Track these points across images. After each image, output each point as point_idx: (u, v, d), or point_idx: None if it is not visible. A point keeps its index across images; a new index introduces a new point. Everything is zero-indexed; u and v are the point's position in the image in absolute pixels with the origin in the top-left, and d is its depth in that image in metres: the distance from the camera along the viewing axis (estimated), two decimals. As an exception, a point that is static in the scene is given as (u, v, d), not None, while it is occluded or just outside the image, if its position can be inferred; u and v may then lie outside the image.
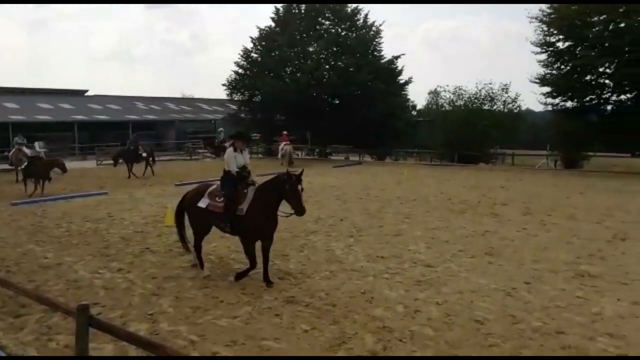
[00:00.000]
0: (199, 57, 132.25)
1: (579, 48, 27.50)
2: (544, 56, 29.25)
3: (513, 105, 32.80)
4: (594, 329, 5.48)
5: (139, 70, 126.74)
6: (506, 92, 32.45)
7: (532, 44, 29.06)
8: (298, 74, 32.16)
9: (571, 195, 15.98)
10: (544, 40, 28.87)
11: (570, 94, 29.02)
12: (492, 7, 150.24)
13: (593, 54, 26.12)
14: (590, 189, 17.40)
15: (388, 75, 33.13)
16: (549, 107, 30.90)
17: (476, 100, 32.64)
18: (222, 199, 6.96)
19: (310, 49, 33.25)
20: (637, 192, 16.74)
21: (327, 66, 32.57)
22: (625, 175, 22.70)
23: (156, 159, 23.29)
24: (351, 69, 31.62)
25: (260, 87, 32.91)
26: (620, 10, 25.40)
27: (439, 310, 6.06)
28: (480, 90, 32.64)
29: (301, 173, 6.70)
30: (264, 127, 35.74)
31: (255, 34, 34.74)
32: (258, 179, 7.41)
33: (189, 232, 7.74)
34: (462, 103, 32.87)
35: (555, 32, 28.32)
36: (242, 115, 36.29)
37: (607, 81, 28.51)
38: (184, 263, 8.05)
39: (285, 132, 28.54)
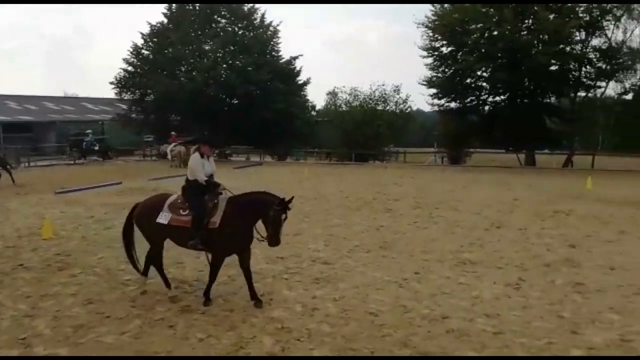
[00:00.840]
0: (83, 52, 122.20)
1: (460, 53, 29.94)
2: (430, 60, 31.41)
3: (404, 106, 34.85)
4: (474, 311, 5.96)
5: (9, 67, 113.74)
6: (398, 93, 34.39)
7: (419, 48, 31.10)
8: (194, 73, 31.13)
9: (455, 189, 17.33)
10: (430, 45, 30.99)
11: (453, 95, 31.49)
12: (388, 11, 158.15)
13: (471, 59, 28.58)
14: (471, 183, 19.04)
15: (287, 76, 33.32)
16: (436, 108, 33.29)
17: (370, 101, 34.15)
18: (187, 212, 6.12)
19: (206, 47, 32.34)
20: (510, 184, 18.65)
21: (224, 65, 31.91)
22: (501, 170, 25.21)
23: (14, 165, 20.74)
24: (249, 68, 31.31)
25: (153, 86, 31.32)
26: (494, 19, 28.09)
27: (336, 306, 6.19)
28: (374, 92, 34.20)
29: (290, 201, 5.86)
30: (157, 128, 34.02)
31: (146, 29, 32.97)
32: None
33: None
34: (357, 104, 34.19)
35: (439, 37, 30.52)
36: (133, 115, 34.24)
37: (484, 84, 31.41)
38: (64, 278, 7.33)
39: (173, 133, 27.67)
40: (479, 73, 30.55)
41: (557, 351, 4.96)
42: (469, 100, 31.87)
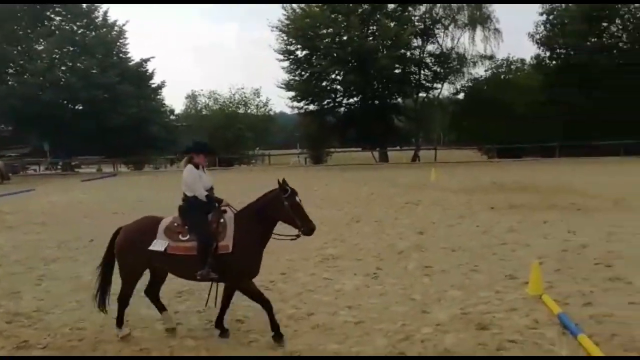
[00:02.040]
0: None
1: (314, 57, 31.21)
2: (287, 63, 32.15)
3: (265, 109, 35.15)
4: (337, 305, 6.18)
5: None
6: (258, 97, 34.54)
7: (275, 51, 31.63)
8: (25, 76, 27.49)
9: (319, 187, 17.98)
10: (285, 49, 31.70)
11: (311, 98, 32.68)
12: (247, 15, 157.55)
13: (324, 63, 29.96)
14: (332, 181, 19.95)
15: (138, 78, 31.31)
16: (296, 110, 34.24)
17: (231, 105, 33.75)
18: (187, 237, 5.16)
19: (39, 48, 28.81)
20: (367, 180, 19.96)
21: (63, 67, 28.77)
22: (359, 167, 26.85)
23: None
24: (93, 71, 28.72)
25: (-28, 91, 26.99)
26: (343, 25, 29.80)
27: (200, 319, 5.92)
28: (234, 95, 33.87)
29: (285, 182, 5.29)
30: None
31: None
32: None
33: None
34: (217, 107, 33.55)
35: (294, 41, 31.40)
36: (-50, 126, 29.12)
37: (338, 87, 33.18)
38: None
39: None
40: (333, 76, 32.17)
41: (410, 331, 5.37)
42: (326, 102, 33.38)
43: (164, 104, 36.87)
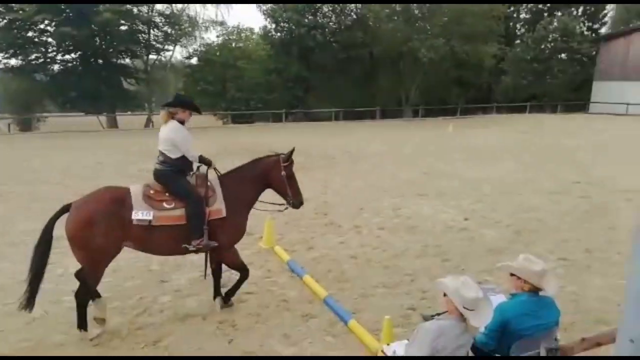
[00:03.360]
0: None
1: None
2: None
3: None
4: (61, 291, 5.36)
5: None
6: None
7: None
8: None
9: (29, 158, 15.17)
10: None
11: (12, 50, 26.98)
12: None
13: (28, 9, 24.98)
14: (50, 151, 17.12)
15: None
16: (-8, 65, 27.79)
17: None
18: (173, 204, 4.44)
19: None
20: (91, 148, 17.87)
21: None
22: (82, 134, 23.78)
23: None
24: None
25: None
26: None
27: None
28: None
29: (292, 152, 4.90)
30: None
31: None
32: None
33: None
34: None
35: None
36: None
37: (50, 39, 28.27)
38: None
39: None
40: (42, 26, 27.22)
41: (147, 303, 5.09)
42: (33, 57, 28.12)
43: None
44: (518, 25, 44.37)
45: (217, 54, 33.16)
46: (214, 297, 5.05)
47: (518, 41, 40.67)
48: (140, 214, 4.32)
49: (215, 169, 4.82)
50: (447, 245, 6.91)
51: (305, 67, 32.61)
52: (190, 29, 32.92)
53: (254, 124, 30.58)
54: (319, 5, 32.61)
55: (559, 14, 38.90)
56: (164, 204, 4.46)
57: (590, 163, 13.74)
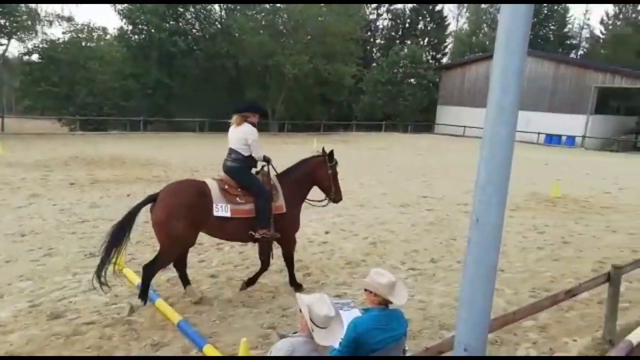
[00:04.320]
0: None
1: None
2: None
3: None
4: None
5: None
6: None
7: None
8: None
9: None
10: None
11: None
12: None
13: None
14: None
15: None
16: None
17: None
18: (244, 199, 5.07)
19: None
20: None
21: None
22: None
23: None
24: None
25: None
26: None
27: None
28: None
29: (332, 152, 5.71)
30: None
31: None
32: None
33: None
34: None
35: None
36: None
37: None
38: None
39: None
40: None
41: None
42: None
43: None
44: (374, 49, 48.09)
45: (62, 51, 29.78)
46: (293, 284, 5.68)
47: (374, 64, 43.99)
48: (220, 207, 4.93)
49: (272, 166, 5.47)
50: (308, 260, 6.97)
51: (166, 73, 30.99)
52: (29, 22, 29.14)
53: (107, 132, 28.03)
54: (181, 9, 31.40)
55: (409, 42, 43.11)
56: (237, 199, 5.08)
57: (435, 178, 15.26)
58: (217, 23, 33.52)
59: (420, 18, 47.36)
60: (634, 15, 48.23)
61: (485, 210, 1.92)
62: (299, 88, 34.67)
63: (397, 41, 44.94)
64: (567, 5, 48.97)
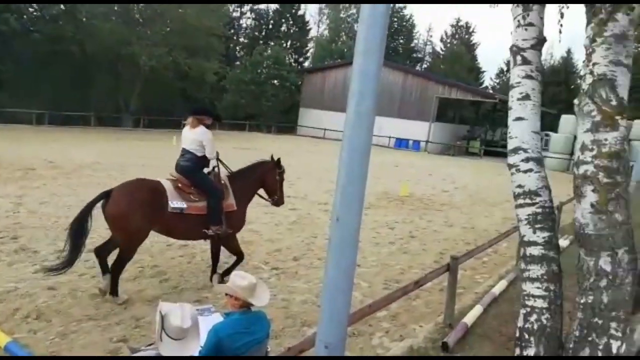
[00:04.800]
0: None
1: None
2: None
3: None
4: None
5: None
6: None
7: None
8: None
9: None
10: None
11: None
12: None
13: None
14: None
15: None
16: None
17: None
18: (198, 197, 5.43)
19: None
20: None
21: None
22: None
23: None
24: None
25: None
26: None
27: None
28: None
29: (279, 159, 6.27)
30: None
31: None
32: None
33: None
34: None
35: None
36: None
37: None
38: None
39: None
40: None
41: None
42: None
43: None
44: (238, 48, 47.62)
45: None
46: (211, 276, 5.91)
47: (238, 63, 43.55)
48: (176, 202, 5.24)
49: (226, 166, 5.91)
50: (166, 264, 6.56)
51: (-3, 59, 26.72)
52: None
53: None
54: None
55: (272, 43, 43.57)
56: (191, 196, 5.39)
57: (297, 179, 15.61)
58: (60, 4, 29.90)
59: (284, 20, 48.21)
60: (467, 37, 55.35)
61: (345, 209, 1.97)
62: (156, 81, 32.66)
63: (261, 42, 45.13)
64: (414, 21, 54.29)
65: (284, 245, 8.03)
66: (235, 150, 23.01)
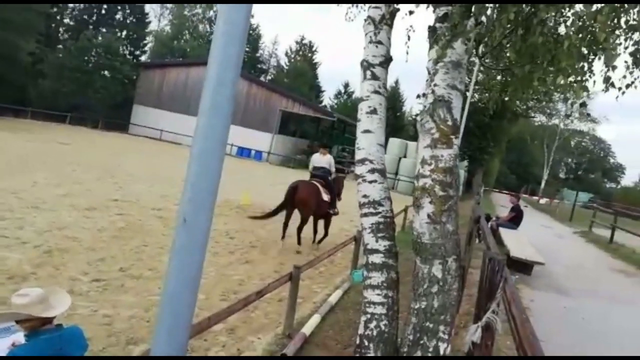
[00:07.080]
0: None
1: None
2: None
3: None
4: None
5: None
6: None
7: None
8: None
9: None
10: None
11: None
12: None
13: None
14: None
15: None
16: None
17: None
18: (327, 192, 9.58)
19: None
20: None
21: None
22: None
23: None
24: None
25: None
26: None
27: None
28: None
29: None
30: None
31: None
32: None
33: None
34: None
35: None
36: None
37: None
38: None
39: None
40: None
41: None
42: None
43: None
44: (61, 29, 42.14)
45: None
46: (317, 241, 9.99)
47: (61, 46, 38.50)
48: (325, 195, 9.45)
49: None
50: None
51: None
52: None
53: None
54: None
55: (104, 30, 39.61)
56: (324, 193, 9.54)
57: (128, 181, 14.22)
58: None
59: (120, 8, 44.26)
60: (310, 55, 58.03)
61: (194, 210, 1.68)
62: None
63: (91, 27, 40.67)
64: (260, 31, 54.93)
65: (109, 254, 7.10)
66: (50, 144, 20.05)
